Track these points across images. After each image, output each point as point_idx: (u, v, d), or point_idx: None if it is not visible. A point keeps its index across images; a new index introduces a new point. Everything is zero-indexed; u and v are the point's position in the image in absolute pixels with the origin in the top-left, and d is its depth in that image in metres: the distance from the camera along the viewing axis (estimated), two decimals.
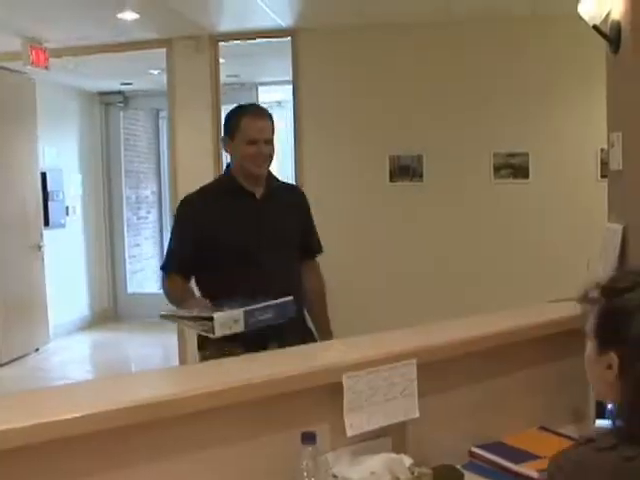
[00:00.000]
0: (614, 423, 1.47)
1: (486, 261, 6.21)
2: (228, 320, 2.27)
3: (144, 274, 10.46)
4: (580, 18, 2.82)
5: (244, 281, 2.85)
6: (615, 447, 1.37)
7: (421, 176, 6.41)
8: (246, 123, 3.02)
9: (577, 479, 1.37)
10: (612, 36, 2.72)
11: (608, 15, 2.76)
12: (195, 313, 2.40)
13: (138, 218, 10.38)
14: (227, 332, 2.26)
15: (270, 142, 3.07)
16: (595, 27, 2.75)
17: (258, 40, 6.67)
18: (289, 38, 6.50)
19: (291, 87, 6.61)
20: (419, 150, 6.40)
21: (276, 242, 3.04)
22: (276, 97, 10.03)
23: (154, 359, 7.89)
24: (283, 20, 6.24)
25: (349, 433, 1.92)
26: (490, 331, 2.30)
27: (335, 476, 1.86)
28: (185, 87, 6.68)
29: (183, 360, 6.60)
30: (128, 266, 10.09)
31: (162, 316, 2.50)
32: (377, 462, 1.90)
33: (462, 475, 2.03)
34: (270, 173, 3.17)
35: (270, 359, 2.14)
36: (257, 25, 6.36)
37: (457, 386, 2.20)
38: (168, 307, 2.80)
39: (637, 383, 1.40)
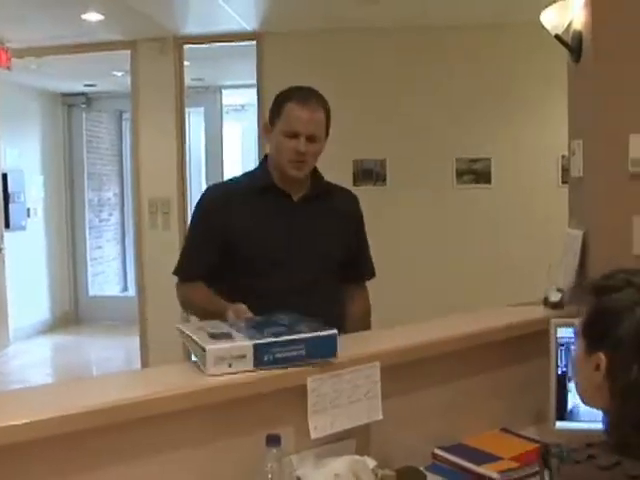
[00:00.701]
0: (606, 430, 1.44)
1: (448, 265, 6.26)
2: (227, 354, 1.83)
3: (106, 277, 10.38)
4: (542, 27, 2.86)
5: (264, 299, 2.33)
6: (618, 464, 1.33)
7: (384, 180, 6.45)
8: (290, 109, 2.48)
9: None
10: (574, 45, 2.76)
11: (570, 25, 2.80)
12: (195, 336, 1.93)
13: (100, 220, 10.30)
14: (226, 371, 1.82)
15: (316, 139, 2.49)
16: (557, 36, 2.79)
17: (223, 43, 6.66)
18: (254, 42, 6.50)
19: (255, 90, 6.62)
20: (383, 154, 6.44)
21: (309, 255, 2.54)
22: (240, 100, 10.03)
23: (116, 362, 7.83)
24: (248, 24, 6.24)
25: (313, 435, 1.92)
26: (452, 334, 2.32)
27: (299, 478, 1.87)
28: (149, 89, 6.64)
29: (145, 363, 6.57)
30: (90, 269, 10.01)
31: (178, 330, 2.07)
32: (341, 464, 1.91)
33: (425, 476, 2.05)
34: (316, 171, 2.64)
35: None
36: (222, 28, 6.35)
37: (420, 388, 2.22)
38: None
39: (626, 389, 1.38)
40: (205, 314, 2.38)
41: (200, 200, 2.67)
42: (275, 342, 1.87)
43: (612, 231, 2.61)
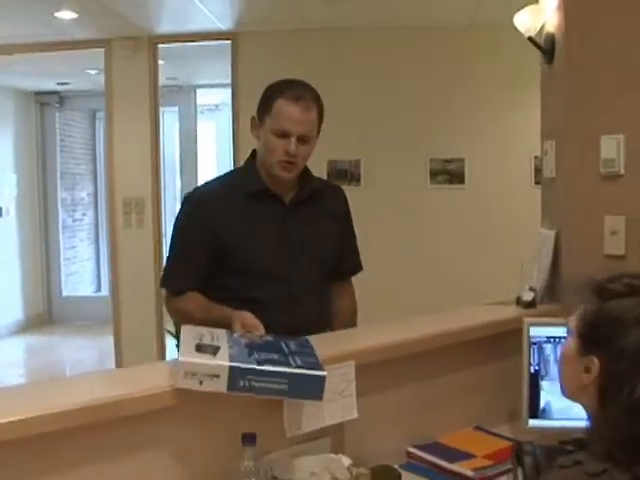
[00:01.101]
0: (590, 431, 1.42)
1: (421, 265, 6.29)
2: (199, 370, 1.74)
3: (79, 277, 10.31)
4: (515, 29, 2.89)
5: (259, 308, 2.21)
6: (606, 471, 1.30)
7: (359, 180, 6.47)
8: (280, 106, 2.32)
9: None
10: (546, 48, 2.79)
11: (543, 27, 2.83)
12: (183, 342, 1.85)
13: (74, 220, 10.22)
14: (195, 387, 1.74)
15: (307, 140, 2.34)
16: (530, 39, 2.82)
17: (197, 43, 6.64)
18: (229, 41, 6.49)
19: (230, 90, 6.61)
20: (357, 155, 6.45)
21: (304, 263, 2.44)
22: (214, 100, 10.01)
23: (89, 363, 7.79)
24: (223, 23, 6.23)
25: (289, 434, 1.93)
26: (426, 333, 2.34)
27: (275, 477, 1.88)
28: (123, 88, 6.60)
29: (119, 363, 6.53)
30: (63, 269, 9.93)
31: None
32: (316, 463, 1.93)
33: (399, 475, 2.07)
34: (306, 170, 2.48)
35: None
36: (197, 28, 6.33)
37: (395, 387, 2.24)
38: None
39: (625, 407, 1.34)
40: (206, 325, 2.19)
41: (186, 204, 2.50)
42: (254, 369, 1.76)
43: (584, 231, 2.64)
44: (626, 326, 1.37)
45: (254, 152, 2.50)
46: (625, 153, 2.55)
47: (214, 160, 10.43)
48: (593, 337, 1.43)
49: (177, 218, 2.51)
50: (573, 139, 2.68)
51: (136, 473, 1.74)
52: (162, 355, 6.56)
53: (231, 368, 1.74)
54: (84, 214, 10.44)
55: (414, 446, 2.22)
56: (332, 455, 1.97)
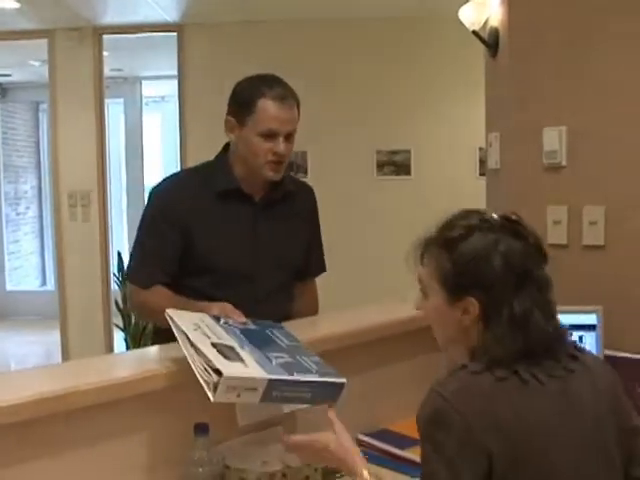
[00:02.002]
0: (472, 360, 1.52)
1: (369, 256, 6.33)
2: (240, 384, 1.66)
3: (24, 271, 10.16)
4: (461, 22, 2.94)
5: None
6: (488, 369, 1.45)
7: (305, 172, 6.49)
8: (264, 107, 2.26)
9: (462, 404, 1.42)
10: (490, 41, 2.84)
11: (487, 21, 2.88)
12: (198, 341, 1.75)
13: (17, 214, 10.07)
14: (232, 400, 1.69)
15: (292, 137, 2.32)
16: (474, 32, 2.87)
17: (143, 34, 6.58)
18: (175, 33, 6.45)
19: (176, 82, 6.57)
20: (303, 147, 6.46)
21: (273, 265, 2.42)
22: (160, 92, 9.93)
23: (35, 358, 7.69)
24: (169, 14, 6.18)
25: (240, 423, 1.94)
26: (373, 323, 2.38)
27: (227, 466, 1.89)
28: (67, 80, 6.51)
29: (66, 359, 6.46)
30: (7, 263, 9.78)
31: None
32: (269, 451, 1.95)
33: None
34: None
35: (165, 351, 2.13)
36: (143, 19, 6.27)
37: (344, 376, 2.26)
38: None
39: (508, 323, 1.47)
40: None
41: (156, 196, 2.43)
42: (290, 381, 1.73)
43: (528, 221, 2.67)
44: (485, 258, 1.50)
45: (227, 146, 2.44)
46: (567, 144, 2.61)
47: (160, 152, 10.35)
48: (461, 282, 1.53)
49: (146, 210, 2.43)
50: (517, 131, 2.73)
51: (86, 466, 1.73)
52: (110, 349, 6.51)
53: (270, 381, 1.69)
54: (28, 207, 10.29)
55: (364, 434, 2.25)
56: None
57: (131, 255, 2.46)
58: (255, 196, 2.39)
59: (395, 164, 6.43)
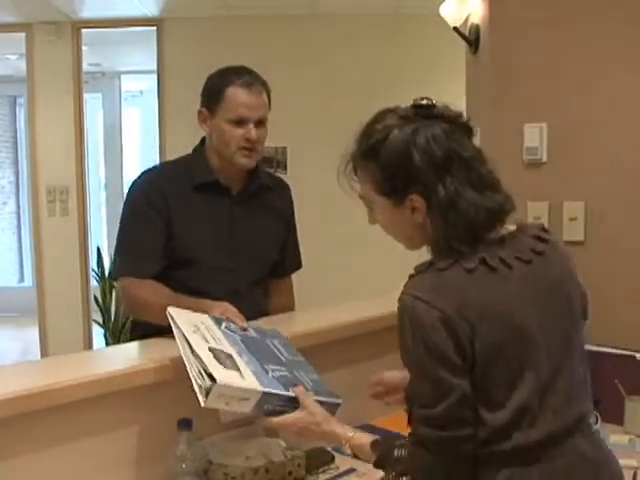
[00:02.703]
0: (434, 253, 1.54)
1: (352, 251, 6.34)
2: (233, 394, 1.68)
3: (1, 267, 10.07)
4: (441, 19, 2.95)
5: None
6: (456, 262, 1.46)
7: (285, 168, 6.48)
8: (233, 95, 2.30)
9: (438, 300, 1.42)
10: (471, 38, 2.86)
11: (468, 18, 2.90)
12: (194, 343, 1.74)
13: None
14: (221, 407, 1.71)
15: (264, 123, 2.36)
16: (455, 29, 2.89)
17: (122, 28, 6.55)
18: (154, 27, 6.42)
19: (155, 76, 6.54)
20: (283, 142, 6.46)
21: (251, 259, 2.42)
22: (139, 86, 9.89)
23: (13, 354, 7.63)
24: (148, 9, 6.15)
25: (223, 419, 1.95)
26: (355, 318, 2.39)
27: (211, 462, 1.89)
28: (45, 74, 6.46)
29: (45, 356, 6.42)
30: None
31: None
32: (251, 447, 1.96)
33: (333, 457, 2.10)
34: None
35: (146, 348, 2.12)
36: (121, 13, 6.24)
37: (327, 371, 2.25)
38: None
39: (444, 206, 1.47)
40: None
41: (138, 187, 2.41)
42: (284, 396, 1.75)
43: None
44: (405, 154, 1.49)
45: (203, 141, 2.45)
46: (547, 141, 2.63)
47: (138, 147, 10.30)
48: (395, 185, 1.53)
49: (128, 200, 2.42)
50: (497, 127, 2.75)
51: (70, 462, 1.73)
52: (89, 346, 6.47)
53: (264, 394, 1.71)
54: (5, 203, 10.21)
55: None
56: (267, 439, 2.00)
57: (117, 248, 2.40)
58: (232, 189, 2.41)
59: None
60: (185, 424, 1.79)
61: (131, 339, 2.41)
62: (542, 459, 1.45)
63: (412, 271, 1.52)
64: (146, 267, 2.29)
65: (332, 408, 1.82)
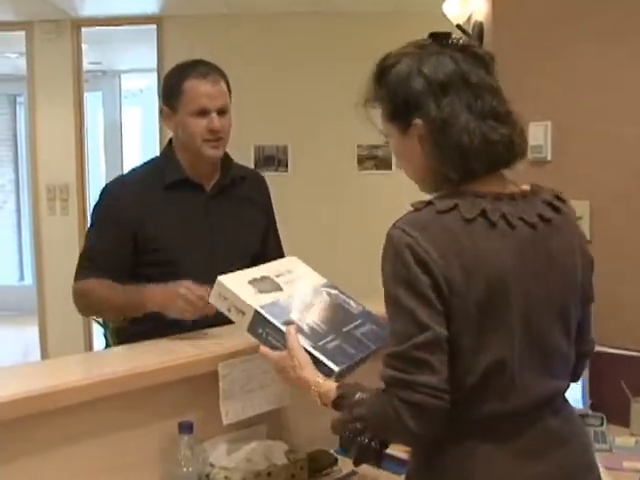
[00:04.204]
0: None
1: (351, 251, 6.33)
2: (231, 297, 1.78)
3: (1, 265, 10.05)
4: (442, 17, 2.93)
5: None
6: (456, 207, 1.40)
7: (286, 166, 6.47)
8: (191, 87, 2.29)
9: (424, 240, 1.38)
10: (475, 35, 2.84)
11: (471, 16, 2.88)
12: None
13: None
14: (222, 309, 1.81)
15: (226, 112, 2.34)
16: (459, 26, 2.87)
17: (122, 26, 6.53)
18: (154, 25, 6.40)
19: (154, 75, 6.52)
20: (284, 141, 6.45)
21: (229, 254, 2.36)
22: (139, 85, 9.87)
23: (12, 354, 7.60)
24: (148, 7, 6.13)
25: (225, 422, 1.93)
26: None
27: (212, 465, 1.88)
28: (45, 73, 6.44)
29: (45, 355, 6.41)
30: None
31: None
32: (253, 449, 1.94)
33: (336, 459, 2.09)
34: (226, 156, 2.45)
35: (146, 349, 2.10)
36: (122, 11, 6.22)
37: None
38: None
39: (439, 125, 1.43)
40: (117, 310, 2.25)
41: (103, 198, 2.41)
42: (276, 326, 1.71)
43: None
44: (410, 74, 1.49)
45: (170, 142, 2.46)
46: (552, 139, 2.61)
47: (139, 145, 10.28)
48: (398, 109, 1.51)
49: (93, 212, 2.45)
50: None
51: (70, 465, 1.71)
52: (89, 346, 6.45)
53: (256, 313, 1.74)
54: (5, 201, 10.20)
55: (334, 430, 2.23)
56: (269, 441, 1.98)
57: (79, 256, 2.44)
58: (205, 185, 2.41)
59: (376, 158, 6.42)
60: (186, 427, 1.77)
61: (119, 342, 2.41)
62: (508, 434, 1.42)
63: None
64: (93, 268, 2.30)
65: (325, 370, 1.68)
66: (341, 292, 2.03)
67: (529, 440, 1.43)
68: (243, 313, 1.75)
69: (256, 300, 1.77)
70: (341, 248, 6.32)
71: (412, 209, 1.47)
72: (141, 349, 2.11)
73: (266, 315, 1.74)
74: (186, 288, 2.05)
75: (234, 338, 2.12)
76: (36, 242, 6.58)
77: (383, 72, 1.56)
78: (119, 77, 9.28)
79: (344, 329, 1.83)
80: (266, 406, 2.03)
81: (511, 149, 1.48)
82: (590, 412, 2.39)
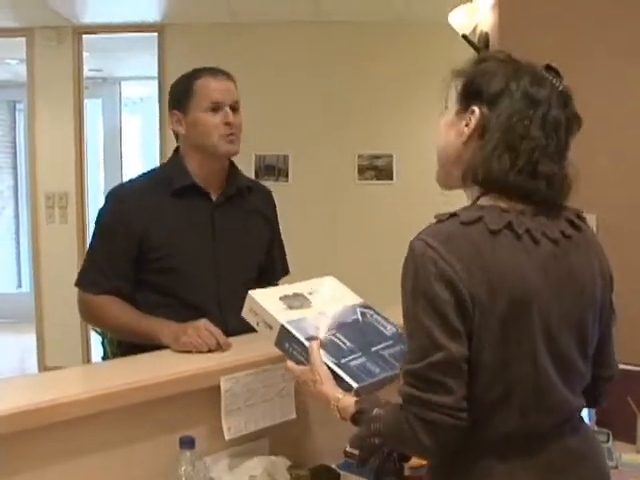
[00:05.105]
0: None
1: (350, 261, 6.30)
2: (260, 312, 1.80)
3: None
4: (445, 27, 2.91)
5: (190, 312, 2.20)
6: (480, 219, 1.39)
7: (287, 176, 6.46)
8: (203, 84, 2.31)
9: (448, 254, 1.35)
10: (481, 45, 2.82)
11: (476, 26, 2.86)
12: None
13: None
14: (252, 323, 1.83)
15: (238, 108, 2.36)
16: (464, 36, 2.85)
17: (123, 34, 6.52)
18: (155, 33, 6.39)
19: (155, 83, 6.51)
20: (285, 150, 6.43)
21: (235, 265, 2.38)
22: (139, 93, 9.86)
23: (9, 361, 7.56)
24: (150, 15, 6.13)
25: (227, 436, 1.90)
26: None
27: None
28: (46, 79, 6.43)
29: (42, 363, 6.38)
30: None
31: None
32: (255, 465, 1.90)
33: (338, 475, 2.06)
34: (234, 166, 2.46)
35: (147, 362, 2.07)
36: (123, 19, 6.21)
37: None
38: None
39: (497, 136, 1.43)
40: (130, 335, 2.22)
41: (109, 201, 2.38)
42: (300, 341, 1.73)
43: None
44: (493, 74, 1.50)
45: (177, 149, 2.44)
46: None
47: (139, 154, 10.26)
48: (468, 91, 1.52)
49: (99, 215, 2.40)
50: None
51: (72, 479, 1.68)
52: (87, 355, 6.42)
53: (282, 328, 1.76)
54: (4, 208, 10.16)
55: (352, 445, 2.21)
56: (271, 457, 1.95)
57: (84, 261, 2.43)
58: (212, 193, 2.39)
59: (377, 169, 6.41)
60: (187, 442, 1.74)
61: (121, 354, 2.39)
62: (528, 452, 1.40)
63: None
64: (99, 282, 2.30)
65: (345, 386, 1.68)
66: (377, 312, 2.00)
67: (549, 459, 1.41)
68: (271, 327, 1.78)
69: (284, 316, 1.79)
70: (341, 258, 6.30)
71: (435, 220, 1.45)
72: (142, 362, 2.08)
73: (291, 330, 1.75)
74: (204, 326, 2.08)
75: (236, 352, 2.10)
76: (34, 250, 6.55)
77: (468, 65, 1.57)
78: (119, 85, 9.26)
79: (373, 348, 1.82)
80: (269, 420, 2.00)
81: (551, 188, 1.46)
82: (596, 428, 2.36)
